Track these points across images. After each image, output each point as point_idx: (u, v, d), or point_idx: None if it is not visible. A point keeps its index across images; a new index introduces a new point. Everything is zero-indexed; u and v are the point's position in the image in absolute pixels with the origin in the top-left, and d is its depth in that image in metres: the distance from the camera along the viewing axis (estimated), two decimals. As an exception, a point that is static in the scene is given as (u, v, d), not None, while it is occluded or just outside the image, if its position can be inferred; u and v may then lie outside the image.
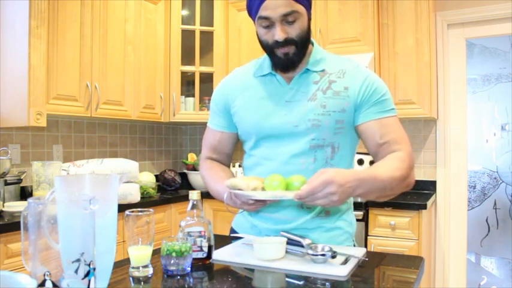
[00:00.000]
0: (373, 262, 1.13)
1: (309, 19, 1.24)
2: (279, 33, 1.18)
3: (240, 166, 3.27)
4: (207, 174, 1.40)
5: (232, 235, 1.42)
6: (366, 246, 2.54)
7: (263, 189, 1.10)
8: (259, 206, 1.18)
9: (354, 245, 1.37)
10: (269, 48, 1.23)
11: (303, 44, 1.22)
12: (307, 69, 1.27)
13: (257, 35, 1.26)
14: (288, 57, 1.21)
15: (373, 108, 1.24)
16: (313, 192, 1.02)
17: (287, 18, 1.17)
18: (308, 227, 1.26)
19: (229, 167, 1.48)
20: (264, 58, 1.34)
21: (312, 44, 1.32)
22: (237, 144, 1.46)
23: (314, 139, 1.23)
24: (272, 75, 1.30)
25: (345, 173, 1.06)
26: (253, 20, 1.25)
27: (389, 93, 1.28)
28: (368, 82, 1.25)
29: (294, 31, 1.19)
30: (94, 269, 0.72)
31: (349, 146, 1.30)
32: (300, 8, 1.18)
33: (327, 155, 1.25)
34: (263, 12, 1.17)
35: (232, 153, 1.47)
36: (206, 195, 1.46)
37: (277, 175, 1.11)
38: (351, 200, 1.39)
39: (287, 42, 1.19)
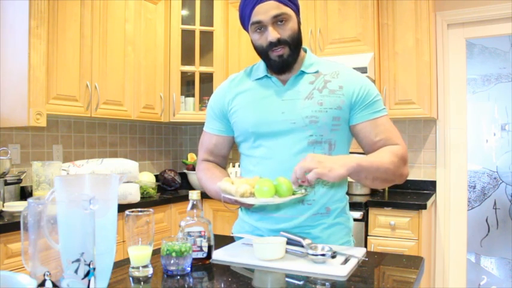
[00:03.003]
0: (373, 262, 1.13)
1: (299, 24, 1.30)
2: (271, 34, 1.24)
3: (240, 166, 3.26)
4: (204, 175, 1.43)
5: (232, 235, 1.42)
6: (365, 246, 2.54)
7: (252, 193, 1.11)
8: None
9: (353, 241, 1.40)
10: (264, 52, 1.28)
11: (295, 45, 1.28)
12: (302, 71, 1.32)
13: (252, 42, 1.32)
14: (283, 59, 1.27)
15: (367, 110, 1.29)
16: (300, 167, 1.08)
17: (278, 20, 1.23)
18: (309, 224, 1.29)
19: (225, 168, 1.51)
20: (258, 63, 1.39)
21: (305, 51, 1.38)
22: (233, 145, 1.48)
23: (312, 135, 1.27)
24: (268, 78, 1.35)
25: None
26: (247, 30, 1.31)
27: (379, 95, 1.34)
28: (361, 84, 1.31)
29: (285, 32, 1.25)
30: (94, 269, 0.72)
31: (344, 144, 1.34)
32: (289, 11, 1.24)
33: (325, 152, 1.28)
34: (255, 17, 1.24)
35: (228, 155, 1.51)
36: (206, 195, 1.46)
37: (268, 180, 1.11)
38: (347, 198, 1.41)
39: (280, 42, 1.25)
